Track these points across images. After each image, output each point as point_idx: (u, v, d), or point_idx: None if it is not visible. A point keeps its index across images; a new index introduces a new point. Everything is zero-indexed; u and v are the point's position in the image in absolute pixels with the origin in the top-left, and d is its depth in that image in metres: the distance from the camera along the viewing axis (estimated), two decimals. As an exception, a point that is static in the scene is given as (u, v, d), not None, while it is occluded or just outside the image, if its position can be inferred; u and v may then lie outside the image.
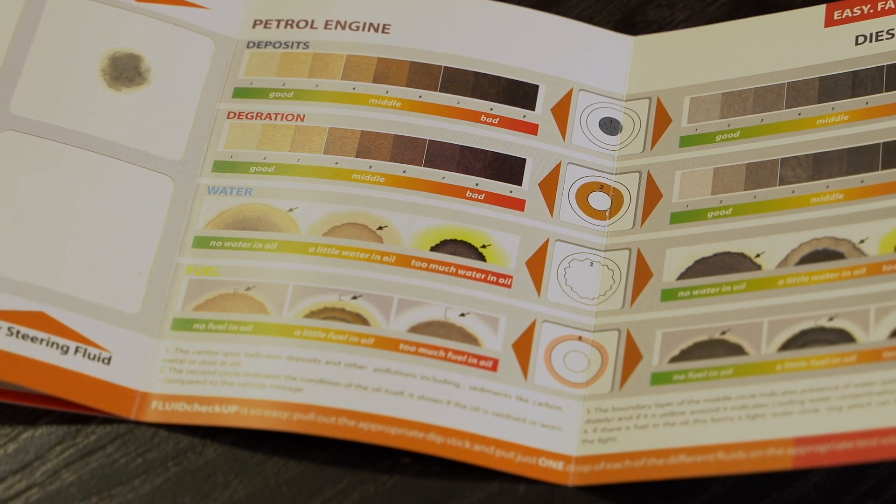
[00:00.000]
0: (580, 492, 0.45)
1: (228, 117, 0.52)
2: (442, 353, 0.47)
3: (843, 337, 0.45)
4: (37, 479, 0.46)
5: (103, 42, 0.53)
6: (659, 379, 0.47)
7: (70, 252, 0.49)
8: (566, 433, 0.46)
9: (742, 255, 0.48)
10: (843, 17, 0.53)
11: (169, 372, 0.48)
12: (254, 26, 0.54)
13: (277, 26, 0.54)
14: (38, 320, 0.48)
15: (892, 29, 0.51)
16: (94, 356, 0.47)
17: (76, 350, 0.47)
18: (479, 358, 0.48)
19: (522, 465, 0.46)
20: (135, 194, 0.50)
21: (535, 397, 0.47)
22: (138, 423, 0.47)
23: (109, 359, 0.48)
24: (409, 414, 0.46)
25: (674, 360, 0.47)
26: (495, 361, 0.48)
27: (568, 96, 0.53)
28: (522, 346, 0.48)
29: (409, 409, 0.46)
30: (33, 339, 0.47)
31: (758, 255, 0.48)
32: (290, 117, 0.52)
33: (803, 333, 0.46)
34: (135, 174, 0.51)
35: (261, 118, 0.52)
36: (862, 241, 0.47)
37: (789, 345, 0.46)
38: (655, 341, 0.48)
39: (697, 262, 0.49)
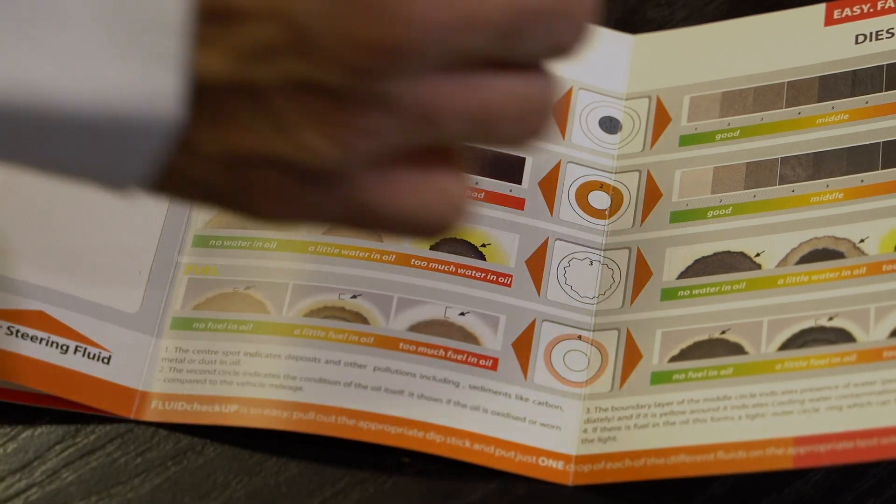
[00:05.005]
0: (580, 491, 0.45)
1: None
2: (442, 353, 0.47)
3: (843, 336, 0.45)
4: (36, 478, 0.46)
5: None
6: (659, 378, 0.46)
7: (70, 251, 0.49)
8: (566, 432, 0.46)
9: (742, 255, 0.48)
10: (843, 16, 0.52)
11: (168, 371, 0.47)
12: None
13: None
14: (38, 319, 0.48)
15: (892, 28, 0.51)
16: (94, 355, 0.47)
17: (76, 349, 0.47)
18: (479, 357, 0.48)
19: (522, 464, 0.45)
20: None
21: (534, 396, 0.47)
22: (138, 423, 0.47)
23: (109, 358, 0.48)
24: (409, 413, 0.46)
25: (674, 359, 0.47)
26: (495, 360, 0.48)
27: (567, 95, 0.53)
28: (522, 346, 0.48)
29: (409, 408, 0.46)
30: (33, 339, 0.47)
31: (757, 255, 0.48)
32: (289, 116, 0.52)
33: (803, 333, 0.46)
34: (134, 173, 0.51)
35: (260, 117, 0.52)
36: (862, 241, 0.47)
37: (789, 344, 0.46)
38: (655, 340, 0.47)
39: (697, 262, 0.49)
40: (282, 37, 0.34)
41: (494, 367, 0.47)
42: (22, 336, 0.47)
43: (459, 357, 0.47)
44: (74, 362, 0.47)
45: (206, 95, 0.34)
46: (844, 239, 0.47)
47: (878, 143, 0.49)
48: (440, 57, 0.35)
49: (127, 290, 0.49)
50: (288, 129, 0.35)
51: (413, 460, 0.46)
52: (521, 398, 0.47)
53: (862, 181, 0.48)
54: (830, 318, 0.46)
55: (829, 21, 0.52)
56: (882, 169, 0.49)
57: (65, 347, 0.47)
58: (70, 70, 0.33)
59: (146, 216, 0.50)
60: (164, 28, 0.33)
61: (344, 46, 0.34)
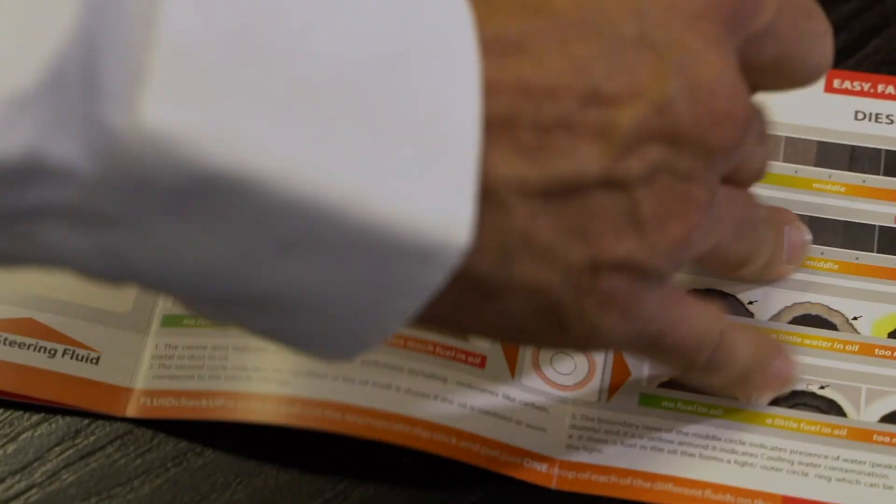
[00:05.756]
0: (564, 496, 0.45)
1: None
2: (430, 347, 0.47)
3: (835, 408, 0.46)
4: (36, 479, 0.47)
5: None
6: (647, 401, 0.47)
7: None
8: (551, 435, 0.46)
9: (735, 298, 0.48)
10: (843, 87, 0.52)
11: (158, 368, 0.47)
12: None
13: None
14: (27, 326, 0.48)
15: (892, 115, 0.51)
16: (83, 357, 0.47)
17: (64, 352, 0.47)
18: (467, 354, 0.47)
19: (506, 463, 0.45)
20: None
21: (521, 396, 0.47)
22: (138, 425, 0.47)
23: (98, 359, 0.48)
24: (396, 407, 0.46)
25: (663, 385, 0.47)
26: (483, 358, 0.47)
27: None
28: (510, 344, 0.48)
29: (396, 403, 0.46)
30: (21, 346, 0.47)
31: (750, 303, 0.48)
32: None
33: (795, 394, 0.46)
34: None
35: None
36: (855, 318, 0.48)
37: (780, 402, 0.46)
38: (644, 363, 0.47)
39: (689, 292, 0.48)
40: (652, 119, 0.33)
41: (482, 364, 0.47)
42: (10, 344, 0.47)
43: (448, 353, 0.47)
44: (62, 365, 0.47)
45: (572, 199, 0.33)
46: (838, 311, 0.48)
47: (875, 226, 0.49)
48: (733, 156, 0.35)
49: (119, 290, 0.48)
50: (645, 227, 0.34)
51: (413, 461, 0.46)
52: (508, 397, 0.47)
53: (857, 259, 0.49)
54: (822, 387, 0.46)
55: (829, 88, 0.52)
56: (877, 253, 0.49)
57: (52, 352, 0.47)
58: (384, 183, 0.30)
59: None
60: (459, 157, 0.31)
61: (704, 123, 0.33)
